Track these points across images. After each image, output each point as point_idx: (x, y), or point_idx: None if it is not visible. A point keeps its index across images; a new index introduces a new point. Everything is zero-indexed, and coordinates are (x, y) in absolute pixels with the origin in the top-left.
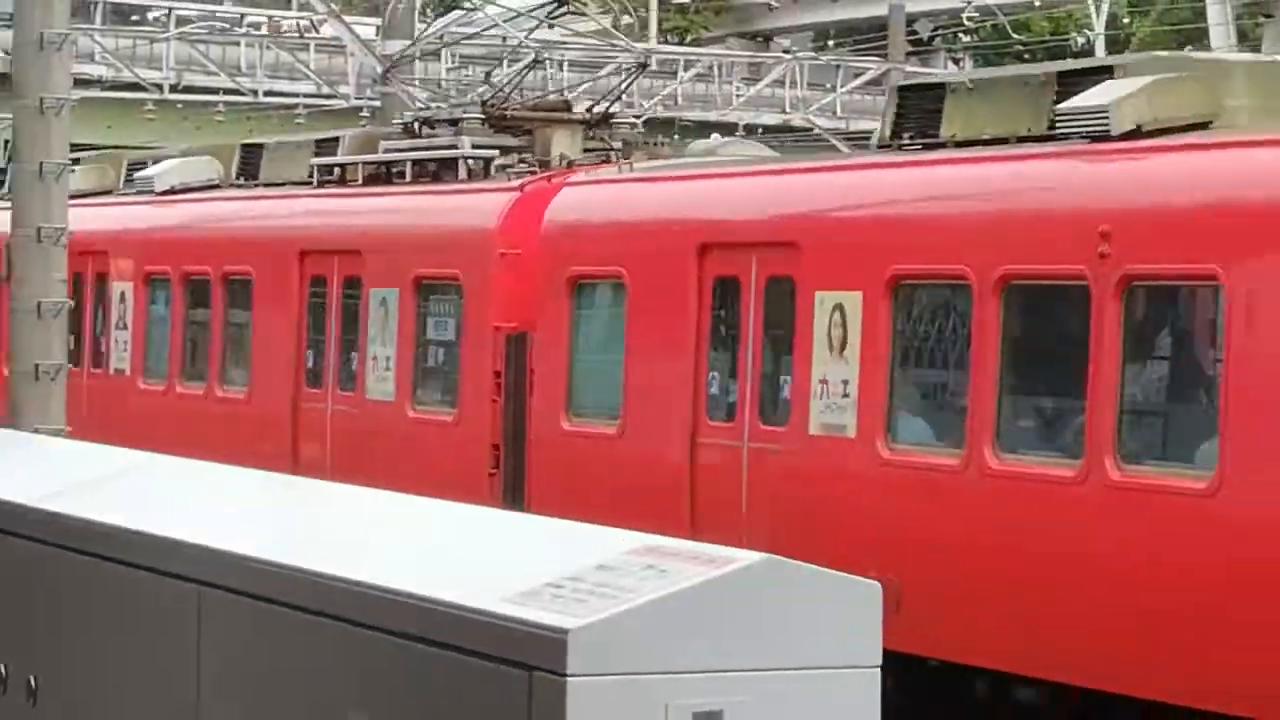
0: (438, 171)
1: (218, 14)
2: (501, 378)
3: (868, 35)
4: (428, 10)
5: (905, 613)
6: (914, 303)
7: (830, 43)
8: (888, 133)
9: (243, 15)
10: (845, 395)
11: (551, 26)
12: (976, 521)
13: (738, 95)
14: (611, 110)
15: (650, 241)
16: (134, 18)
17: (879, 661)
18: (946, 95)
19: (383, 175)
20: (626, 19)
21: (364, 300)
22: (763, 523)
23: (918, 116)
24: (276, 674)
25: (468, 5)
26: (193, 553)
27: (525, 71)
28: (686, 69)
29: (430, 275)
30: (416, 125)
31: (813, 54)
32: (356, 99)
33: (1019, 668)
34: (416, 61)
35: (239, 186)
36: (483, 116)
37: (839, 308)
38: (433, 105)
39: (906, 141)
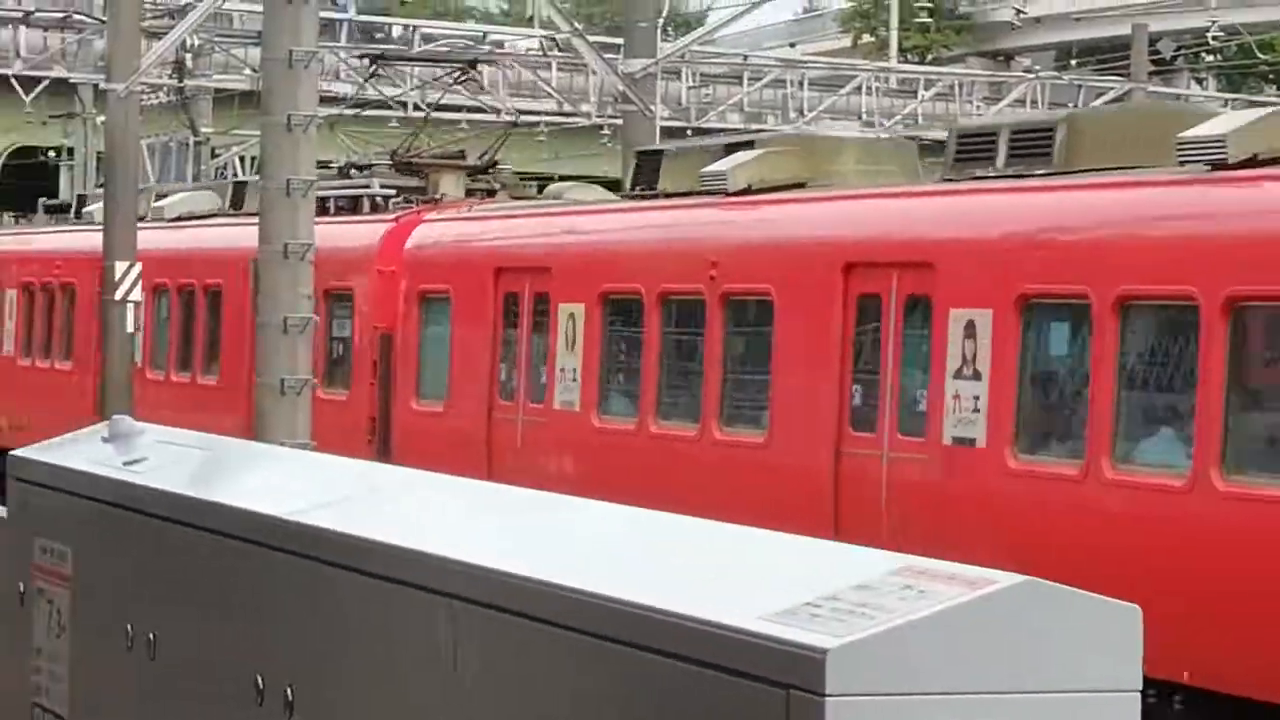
0: (353, 206)
1: (460, 32)
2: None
3: (1110, 55)
4: (669, 29)
5: None
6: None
7: (1072, 62)
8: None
9: (485, 34)
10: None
11: (792, 45)
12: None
13: (978, 114)
14: (495, 159)
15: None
16: (378, 35)
17: (1139, 685)
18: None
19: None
20: (867, 38)
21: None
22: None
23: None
24: (531, 690)
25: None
26: (447, 567)
27: (423, 127)
28: (927, 88)
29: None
30: (348, 169)
31: (1054, 73)
32: (598, 117)
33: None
34: (658, 80)
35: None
36: (390, 163)
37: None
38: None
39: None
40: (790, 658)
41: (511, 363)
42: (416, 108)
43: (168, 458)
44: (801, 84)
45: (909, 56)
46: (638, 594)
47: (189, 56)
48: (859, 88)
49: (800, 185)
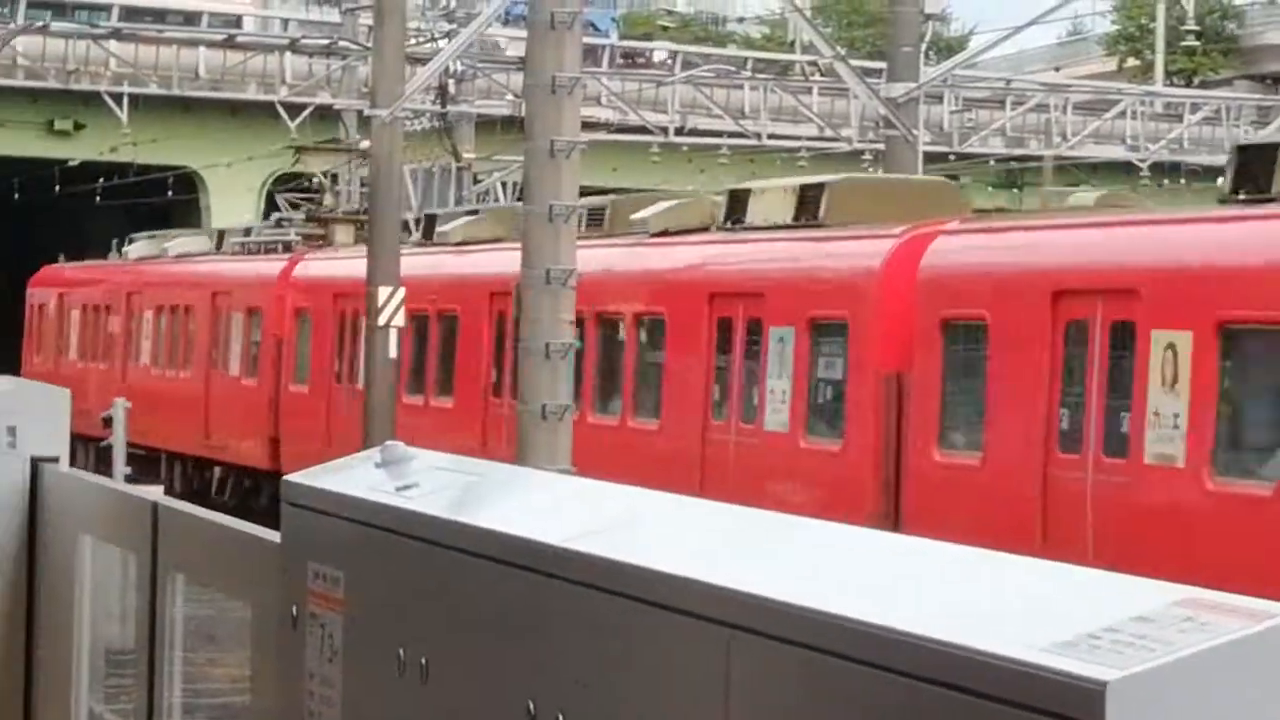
0: None
1: (720, 57)
2: None
3: None
4: (931, 53)
5: None
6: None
7: None
8: (1228, 189)
9: (747, 59)
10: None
11: (1056, 69)
12: None
13: (1246, 139)
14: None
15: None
16: (639, 60)
17: None
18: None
19: None
20: (1132, 61)
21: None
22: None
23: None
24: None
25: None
26: (722, 595)
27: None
28: (1193, 112)
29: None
30: None
31: None
32: (859, 142)
33: None
34: (920, 104)
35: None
36: None
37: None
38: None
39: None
40: (1069, 690)
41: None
42: (678, 131)
43: (440, 483)
44: (1065, 108)
45: (1175, 80)
46: (913, 624)
47: (452, 82)
48: (1123, 112)
49: None
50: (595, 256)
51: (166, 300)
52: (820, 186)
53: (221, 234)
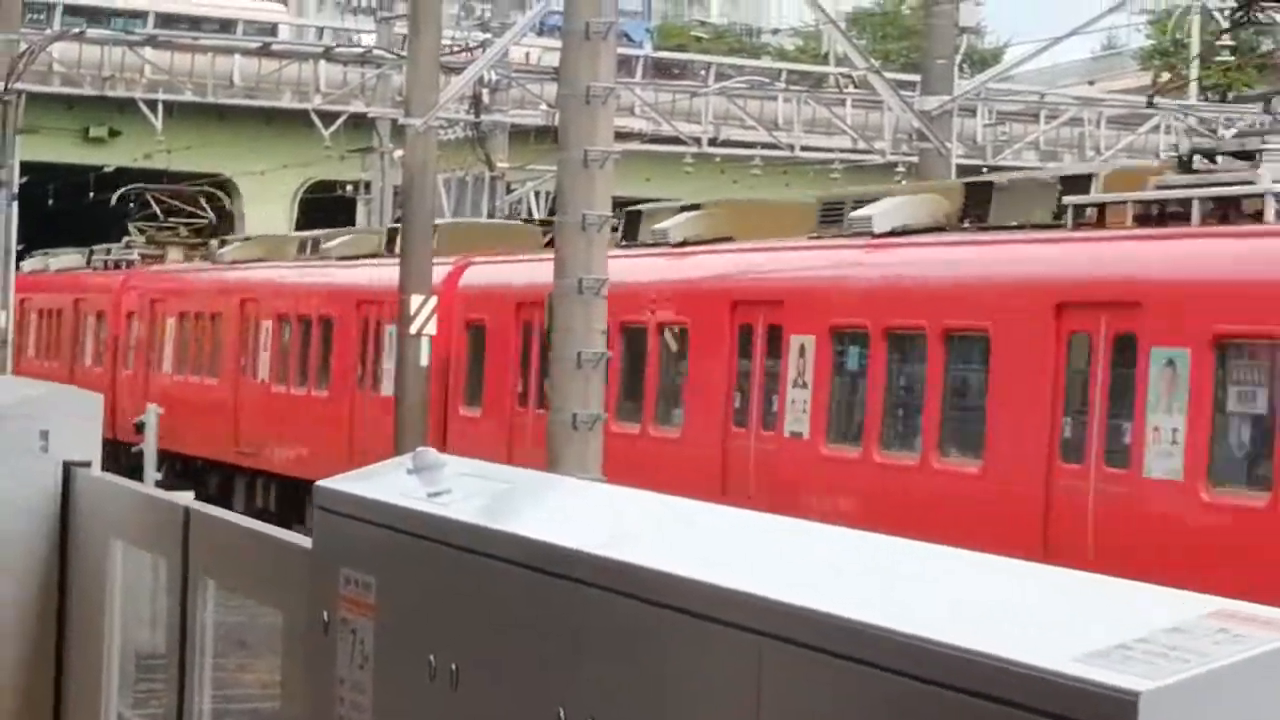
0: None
1: (754, 68)
2: None
3: None
4: (965, 66)
5: None
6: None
7: None
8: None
9: (781, 71)
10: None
11: (1091, 83)
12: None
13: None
14: None
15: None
16: (674, 71)
17: None
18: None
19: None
20: (1165, 76)
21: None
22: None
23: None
24: None
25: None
26: (753, 603)
27: None
28: (1227, 127)
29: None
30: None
31: None
32: (892, 154)
33: None
34: (954, 117)
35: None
36: None
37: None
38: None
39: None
40: (1102, 700)
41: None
42: (711, 142)
43: (472, 490)
44: (1099, 122)
45: (1209, 95)
46: (946, 633)
47: (486, 92)
48: (1157, 126)
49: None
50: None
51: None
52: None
53: (92, 252)
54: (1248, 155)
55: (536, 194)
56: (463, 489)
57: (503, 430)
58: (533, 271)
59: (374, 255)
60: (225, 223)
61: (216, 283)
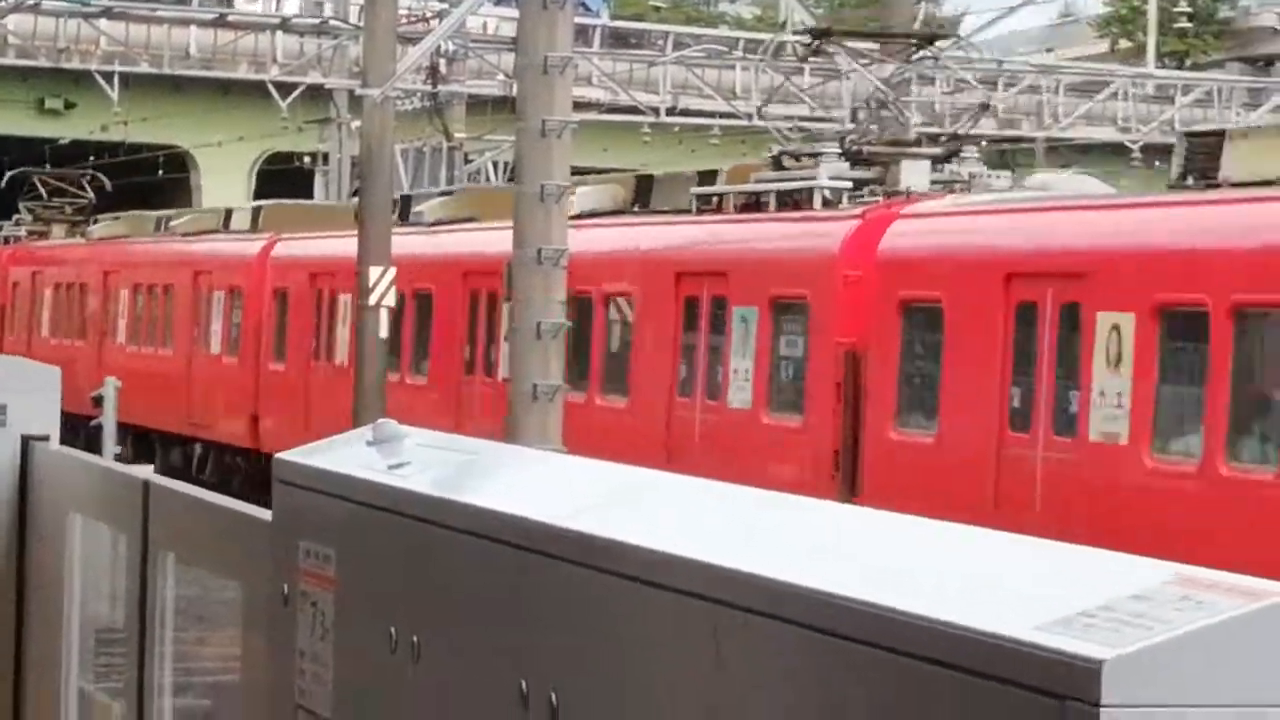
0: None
1: (712, 37)
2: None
3: None
4: None
5: None
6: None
7: None
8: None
9: (739, 40)
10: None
11: (1048, 50)
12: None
13: (1237, 121)
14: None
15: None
16: (632, 41)
17: None
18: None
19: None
20: (1125, 43)
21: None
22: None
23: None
24: (795, 698)
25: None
26: (712, 572)
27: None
28: (1185, 94)
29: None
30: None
31: None
32: (851, 122)
33: None
34: (912, 85)
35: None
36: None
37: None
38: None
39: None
40: (1066, 668)
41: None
42: (669, 112)
43: (431, 461)
44: (1057, 90)
45: (1167, 62)
46: (907, 601)
47: (443, 62)
48: (1115, 93)
49: None
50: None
51: None
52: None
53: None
54: (813, 156)
55: (495, 164)
56: (422, 461)
57: (300, 380)
58: (330, 246)
59: (213, 231)
60: (183, 195)
61: (85, 256)
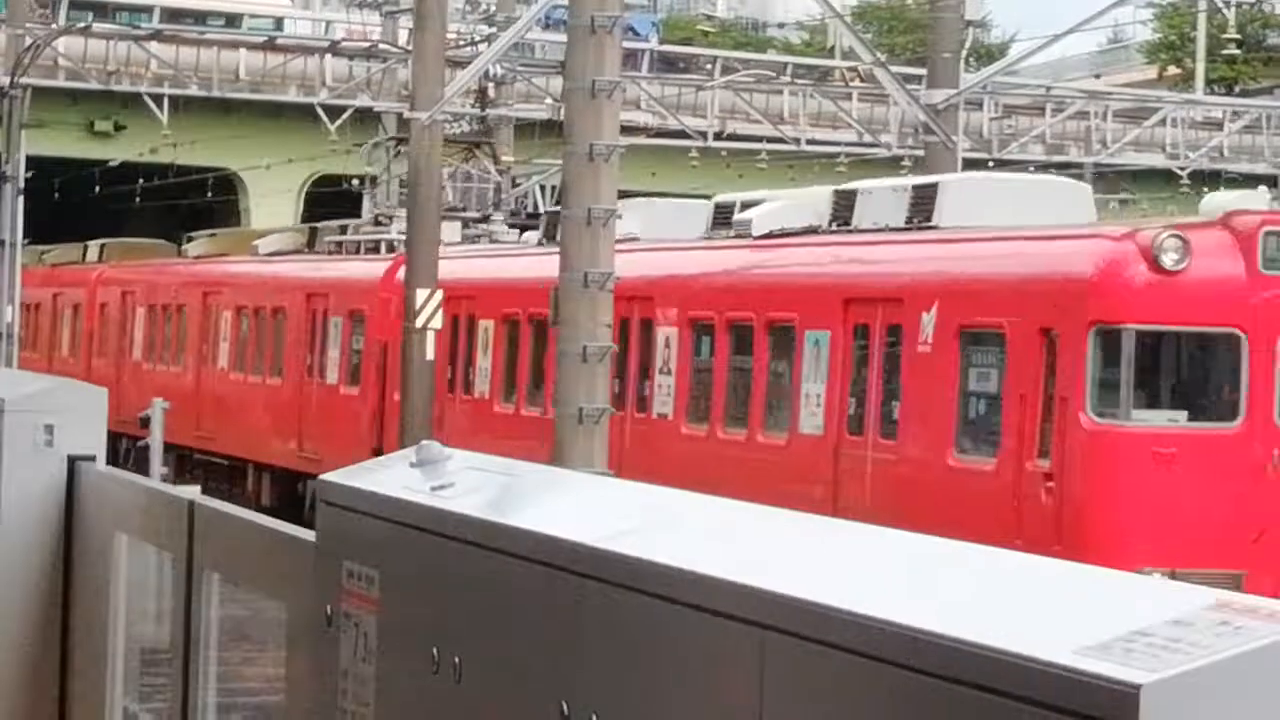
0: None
1: (761, 62)
2: None
3: None
4: (971, 60)
5: None
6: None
7: None
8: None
9: (787, 64)
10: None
11: (1097, 76)
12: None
13: None
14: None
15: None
16: (680, 65)
17: None
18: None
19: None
20: (1173, 69)
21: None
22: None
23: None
24: None
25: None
26: (756, 596)
27: None
28: (1233, 120)
29: None
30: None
31: None
32: (898, 148)
33: None
34: (960, 111)
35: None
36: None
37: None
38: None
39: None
40: (1103, 692)
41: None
42: (717, 136)
43: (475, 483)
44: (1105, 116)
45: (1215, 88)
46: (946, 625)
47: (491, 85)
48: (1163, 120)
49: None
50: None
51: None
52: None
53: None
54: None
55: (542, 188)
56: (466, 482)
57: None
58: (139, 273)
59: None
60: (232, 217)
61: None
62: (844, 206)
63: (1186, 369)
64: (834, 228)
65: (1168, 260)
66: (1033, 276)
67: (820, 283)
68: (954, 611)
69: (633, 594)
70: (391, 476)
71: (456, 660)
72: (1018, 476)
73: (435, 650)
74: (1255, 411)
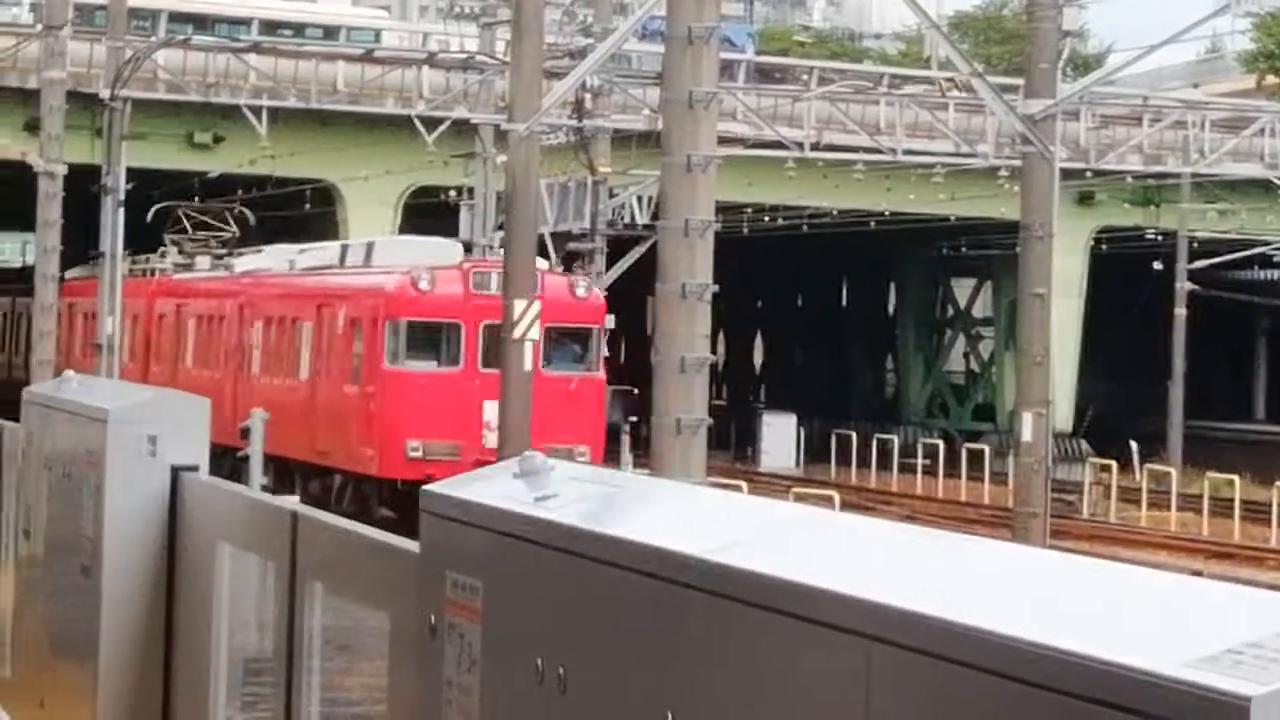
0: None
1: (857, 73)
2: None
3: None
4: (1068, 70)
5: None
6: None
7: None
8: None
9: (883, 75)
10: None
11: (1195, 86)
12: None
13: None
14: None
15: None
16: (777, 76)
17: None
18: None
19: None
20: (1271, 79)
21: None
22: None
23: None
24: None
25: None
26: (862, 607)
27: None
28: None
29: None
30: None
31: None
32: (995, 159)
33: None
34: (1057, 121)
35: None
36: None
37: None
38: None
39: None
40: (1212, 705)
41: None
42: (814, 147)
43: (578, 493)
44: (1203, 125)
45: None
46: (1053, 637)
47: (589, 97)
48: (1262, 130)
49: None
50: None
51: None
52: None
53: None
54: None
55: (639, 199)
56: (569, 493)
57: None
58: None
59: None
60: (330, 228)
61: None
62: (345, 253)
63: (434, 340)
64: (330, 266)
65: (423, 284)
66: (369, 290)
67: (308, 293)
68: (1060, 623)
69: (738, 605)
70: (495, 487)
71: (561, 670)
72: (362, 392)
73: (539, 661)
74: (469, 362)
